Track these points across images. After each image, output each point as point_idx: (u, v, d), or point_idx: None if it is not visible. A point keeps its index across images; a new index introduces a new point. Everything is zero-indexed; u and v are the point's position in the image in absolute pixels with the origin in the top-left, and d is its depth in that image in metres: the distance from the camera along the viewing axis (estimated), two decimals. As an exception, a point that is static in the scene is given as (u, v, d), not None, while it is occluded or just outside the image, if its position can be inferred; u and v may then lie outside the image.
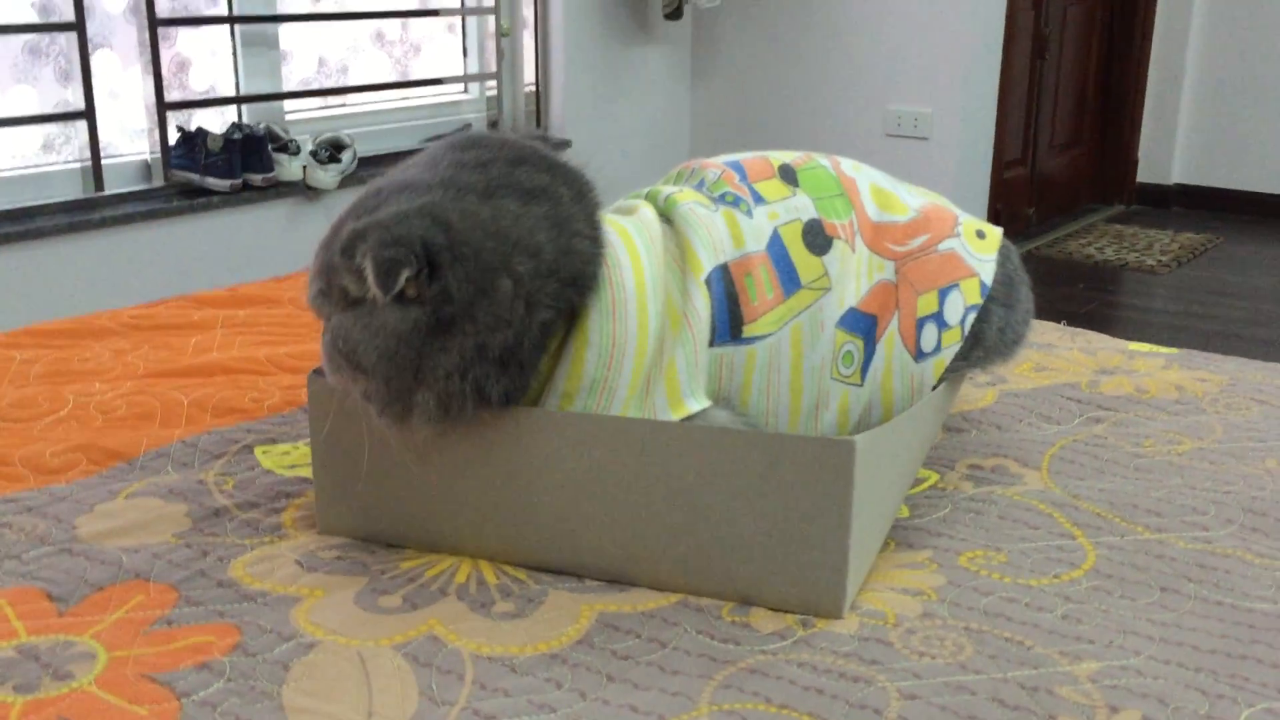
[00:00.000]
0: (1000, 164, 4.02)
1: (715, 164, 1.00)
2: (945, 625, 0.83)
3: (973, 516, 0.99)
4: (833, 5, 3.82)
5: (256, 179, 2.95)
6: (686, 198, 0.95)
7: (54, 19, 2.68)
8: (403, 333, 0.82)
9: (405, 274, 0.80)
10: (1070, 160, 4.73)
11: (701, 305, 0.90)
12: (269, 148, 2.99)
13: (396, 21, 3.45)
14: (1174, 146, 4.91)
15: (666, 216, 0.95)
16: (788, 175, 0.98)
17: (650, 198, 0.98)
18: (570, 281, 0.86)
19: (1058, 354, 1.39)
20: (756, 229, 0.94)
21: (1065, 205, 4.75)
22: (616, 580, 0.88)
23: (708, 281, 0.91)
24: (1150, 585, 0.89)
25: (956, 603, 0.86)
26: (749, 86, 4.02)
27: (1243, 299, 3.77)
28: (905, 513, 0.99)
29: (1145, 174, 4.98)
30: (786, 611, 0.84)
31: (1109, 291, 3.86)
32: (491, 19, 3.54)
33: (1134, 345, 1.43)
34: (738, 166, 0.99)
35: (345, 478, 0.93)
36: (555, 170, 0.90)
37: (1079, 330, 1.49)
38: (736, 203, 0.95)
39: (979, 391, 1.26)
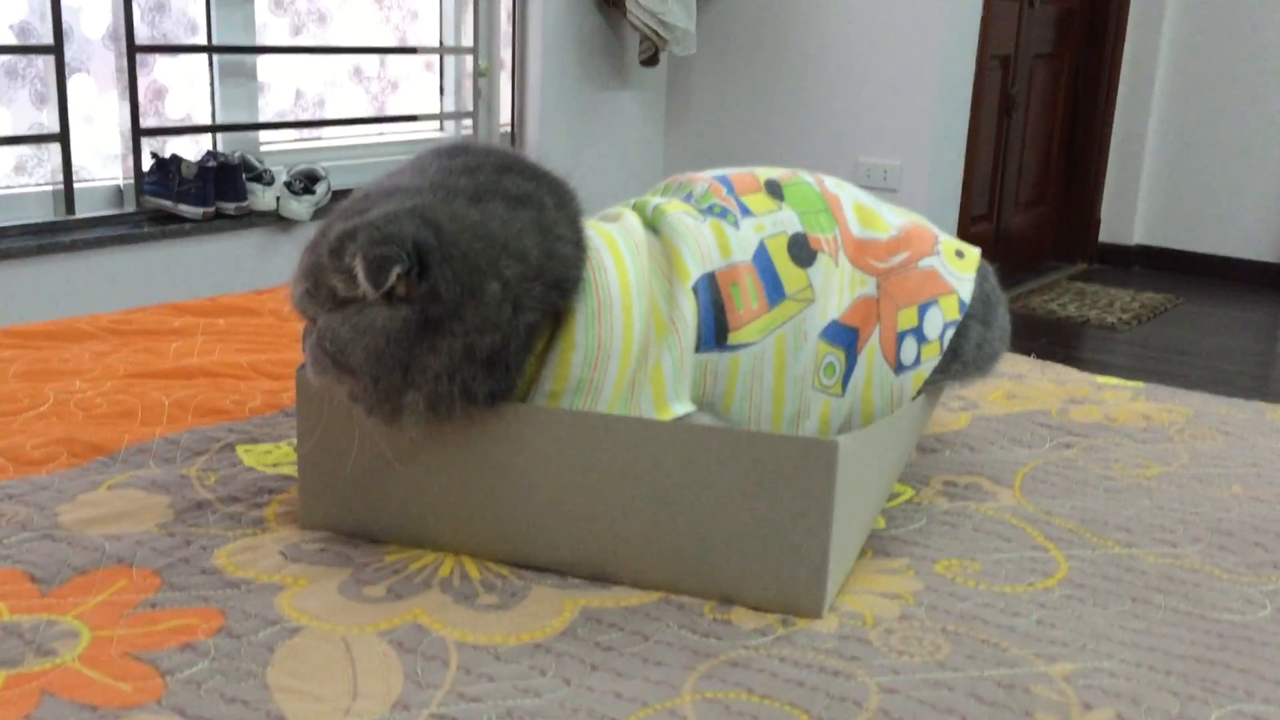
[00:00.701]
0: (967, 219, 4.09)
1: (703, 177, 1.03)
2: (923, 627, 0.84)
3: (948, 529, 1.01)
4: (805, 58, 3.90)
5: (229, 208, 2.95)
6: (675, 208, 0.98)
7: (32, 41, 2.69)
8: (391, 331, 0.83)
9: (396, 270, 0.81)
10: (1035, 218, 4.83)
11: (689, 311, 0.92)
12: (243, 177, 2.99)
13: (375, 58, 3.48)
14: (1135, 207, 5.02)
15: (654, 226, 0.97)
16: (774, 190, 1.01)
17: (638, 208, 1.01)
18: (555, 285, 0.87)
19: (1029, 383, 1.42)
20: (743, 240, 0.96)
21: (1029, 262, 4.84)
22: (599, 577, 0.89)
23: (695, 289, 0.93)
24: (1121, 595, 0.91)
25: (934, 606, 0.87)
26: (722, 134, 4.09)
27: (1202, 357, 3.85)
28: (882, 524, 1.01)
29: (1107, 234, 5.09)
30: (767, 610, 0.85)
31: (1071, 347, 3.93)
32: (470, 59, 3.58)
33: (1102, 379, 1.46)
34: (725, 180, 1.02)
35: (329, 473, 0.94)
36: (540, 178, 0.93)
37: (1049, 363, 1.52)
38: (724, 214, 0.97)
39: (952, 415, 1.29)
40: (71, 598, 0.81)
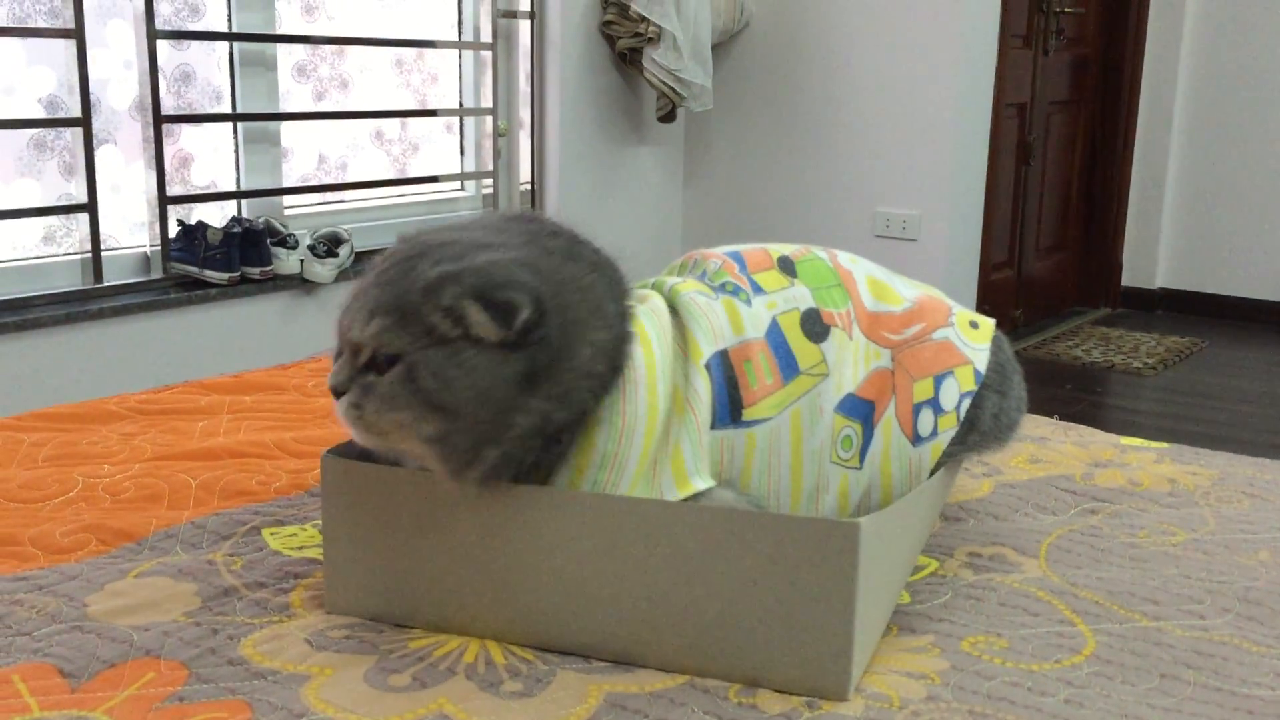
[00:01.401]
0: (987, 266, 4.10)
1: (716, 254, 1.04)
2: (950, 708, 0.84)
3: (973, 603, 1.00)
4: (821, 110, 3.93)
5: (254, 272, 2.99)
6: (688, 287, 0.99)
7: (61, 114, 2.75)
8: (501, 376, 0.84)
9: (524, 315, 0.83)
10: (1056, 264, 4.82)
11: (703, 388, 0.93)
12: (268, 242, 3.03)
13: (396, 121, 3.54)
14: (1157, 251, 5.01)
15: (671, 305, 0.98)
16: (786, 267, 1.02)
17: (656, 288, 1.02)
18: (620, 357, 0.90)
19: (1051, 447, 1.41)
20: (755, 317, 0.97)
21: (1051, 308, 4.83)
22: (623, 661, 0.89)
23: (708, 366, 0.94)
24: (1150, 671, 0.90)
25: (960, 686, 0.87)
26: (740, 188, 4.12)
27: (1228, 402, 3.82)
28: (906, 599, 1.01)
29: (1129, 278, 5.07)
30: (793, 693, 0.85)
31: (1096, 393, 3.91)
32: (489, 119, 3.63)
33: (1126, 440, 1.45)
34: (738, 257, 1.03)
35: (354, 557, 0.94)
36: (598, 251, 0.96)
37: (1071, 425, 1.52)
38: (736, 292, 0.99)
39: (975, 482, 1.28)
40: (100, 692, 0.82)
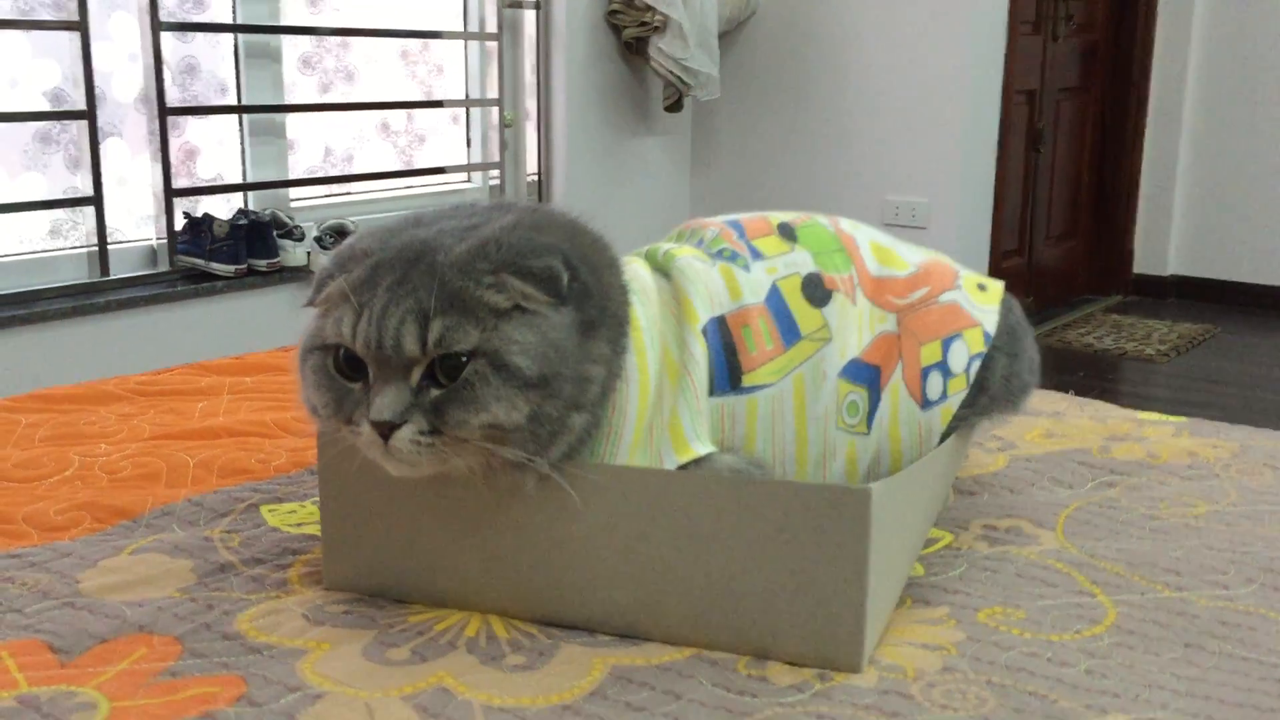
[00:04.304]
0: (998, 254, 4.06)
1: (714, 222, 1.02)
2: (967, 679, 0.81)
3: (989, 575, 0.97)
4: (829, 97, 3.90)
5: (261, 264, 2.97)
6: (684, 253, 0.97)
7: (66, 107, 2.73)
8: (567, 331, 0.82)
9: (565, 276, 0.81)
10: (1066, 251, 4.78)
11: (699, 354, 0.90)
12: (274, 234, 3.02)
13: (402, 113, 3.52)
14: (1169, 238, 4.96)
15: (664, 271, 0.96)
16: (786, 232, 1.00)
17: (649, 255, 1.00)
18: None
19: (1067, 421, 1.38)
20: (754, 282, 0.95)
21: (1062, 296, 4.79)
22: (629, 635, 0.86)
23: (704, 331, 0.91)
24: (1174, 641, 0.87)
25: (977, 657, 0.84)
26: (748, 177, 4.09)
27: (1242, 387, 3.78)
28: (920, 571, 0.98)
29: (1141, 265, 5.03)
30: (803, 665, 0.83)
31: (1109, 380, 3.87)
32: (495, 110, 3.61)
33: (1143, 414, 1.42)
34: (736, 225, 1.01)
35: (353, 532, 0.92)
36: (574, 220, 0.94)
37: (1087, 400, 1.49)
38: (734, 258, 0.96)
39: (989, 457, 1.26)
40: (91, 668, 0.80)
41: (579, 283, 0.83)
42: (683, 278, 0.93)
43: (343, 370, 0.83)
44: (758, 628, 0.84)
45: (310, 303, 0.88)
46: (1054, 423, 1.37)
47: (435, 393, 0.80)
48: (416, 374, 0.80)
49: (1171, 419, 1.41)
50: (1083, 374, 3.87)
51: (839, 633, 0.82)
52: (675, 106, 3.81)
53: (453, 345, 0.79)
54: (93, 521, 1.03)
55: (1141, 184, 4.93)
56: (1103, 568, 0.99)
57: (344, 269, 0.84)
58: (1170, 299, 4.99)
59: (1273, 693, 0.80)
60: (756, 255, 0.96)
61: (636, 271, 0.94)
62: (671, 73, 3.65)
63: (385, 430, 0.79)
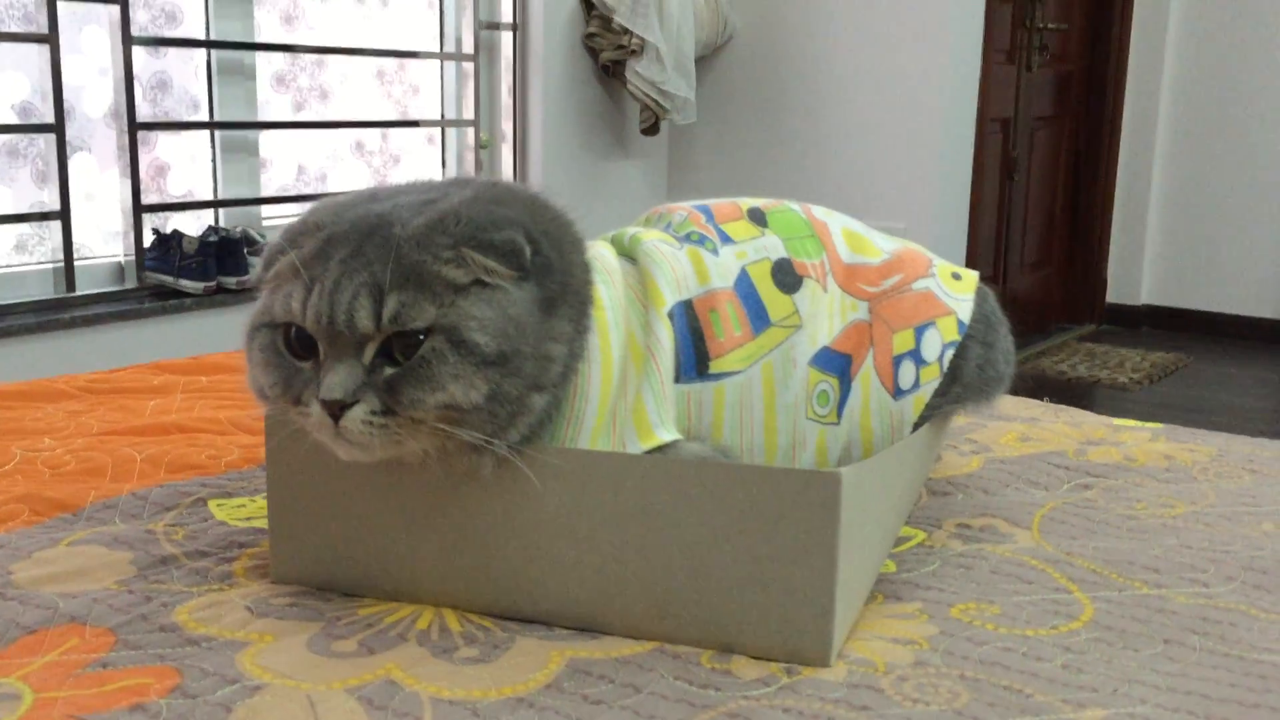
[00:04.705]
0: (973, 280, 4.05)
1: (682, 206, 0.99)
2: (939, 673, 0.78)
3: (963, 571, 0.94)
4: (805, 123, 3.90)
5: (230, 282, 2.93)
6: (651, 236, 0.94)
7: (34, 120, 2.69)
8: (527, 307, 0.79)
9: (528, 249, 0.78)
10: (1040, 280, 4.79)
11: (665, 337, 0.87)
12: (244, 251, 2.98)
13: (377, 132, 3.49)
14: (1142, 267, 4.99)
15: (630, 254, 0.93)
16: (756, 217, 0.97)
17: (615, 240, 0.97)
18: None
19: (1042, 426, 1.36)
20: (723, 266, 0.92)
21: (1036, 324, 4.79)
22: (588, 628, 0.83)
23: (670, 315, 0.88)
24: (1153, 637, 0.84)
25: (950, 651, 0.81)
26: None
27: (1217, 415, 3.78)
28: (892, 567, 0.95)
29: (1114, 294, 5.05)
30: (770, 659, 0.79)
31: (1083, 407, 3.85)
32: (471, 131, 3.59)
33: (1119, 420, 1.40)
34: (705, 209, 0.98)
35: (302, 523, 0.88)
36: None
37: (1062, 407, 1.47)
38: (702, 241, 0.94)
39: (963, 459, 1.23)
40: (17, 659, 0.75)
41: (541, 257, 0.80)
42: (648, 260, 0.90)
43: (293, 349, 0.79)
44: (722, 619, 0.80)
45: (259, 281, 0.84)
46: (1029, 427, 1.35)
47: (389, 371, 0.76)
48: (370, 351, 0.77)
49: (1148, 425, 1.39)
50: (1046, 398, 3.86)
51: (807, 624, 0.79)
52: (652, 130, 3.80)
53: (408, 322, 0.76)
54: (31, 514, 0.98)
55: (1115, 213, 4.96)
56: (1079, 565, 0.96)
57: (294, 244, 0.81)
58: (1143, 328, 5.00)
59: (1257, 688, 0.77)
60: (726, 239, 0.94)
61: (600, 253, 0.91)
62: (648, 96, 3.64)
63: (336, 410, 0.76)
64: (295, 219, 0.85)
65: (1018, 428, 1.34)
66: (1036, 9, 4.28)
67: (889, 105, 3.75)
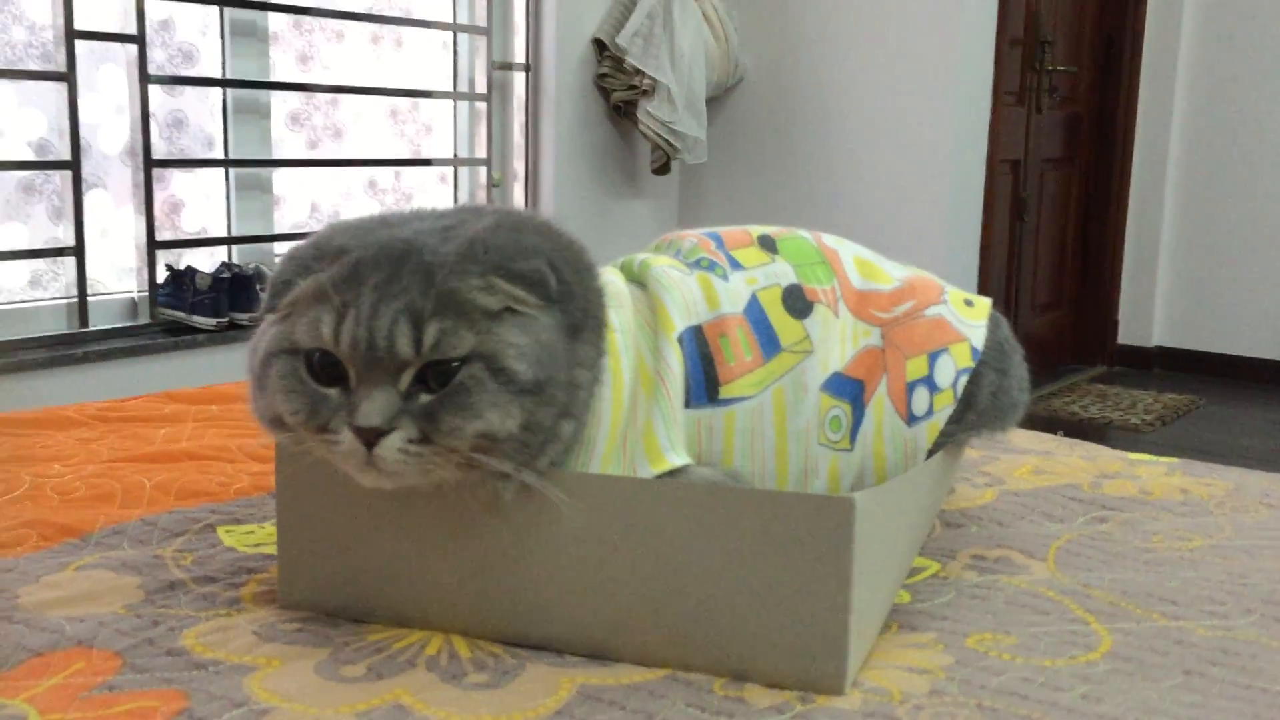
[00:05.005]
0: (984, 321, 4.05)
1: (692, 233, 0.99)
2: (956, 702, 0.76)
3: (978, 602, 0.93)
4: (816, 164, 3.92)
5: (243, 318, 2.94)
6: (660, 262, 0.94)
7: (50, 157, 2.72)
8: (556, 334, 0.79)
9: (553, 278, 0.78)
10: (1051, 321, 4.78)
11: (675, 362, 0.87)
12: (258, 287, 2.99)
13: (390, 170, 3.52)
14: (1153, 309, 4.98)
15: (640, 280, 0.93)
16: (767, 244, 0.97)
17: (624, 266, 0.97)
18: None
19: (1057, 459, 1.35)
20: (733, 292, 0.92)
21: (1048, 365, 4.78)
22: (599, 655, 0.82)
23: (680, 340, 0.88)
24: (1172, 669, 0.83)
25: (967, 681, 0.79)
26: (735, 242, 4.08)
27: (1228, 458, 3.75)
28: (906, 598, 0.94)
29: (1125, 336, 5.03)
30: (783, 687, 0.78)
31: (1097, 447, 3.84)
32: (484, 170, 3.61)
33: (1134, 455, 1.39)
34: (715, 235, 0.98)
35: (311, 548, 0.88)
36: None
37: (1077, 441, 1.46)
38: (712, 267, 0.94)
39: (977, 491, 1.22)
40: (23, 681, 0.75)
41: (564, 284, 0.80)
42: (658, 286, 0.90)
43: (317, 375, 0.77)
44: (735, 646, 0.79)
45: (269, 309, 0.83)
46: (1043, 460, 1.34)
47: (425, 398, 0.75)
48: (406, 379, 0.75)
49: (1163, 460, 1.38)
50: (1060, 431, 3.84)
51: (821, 652, 0.77)
52: (663, 169, 3.82)
53: (449, 350, 0.75)
54: (39, 539, 0.98)
55: (1125, 255, 4.96)
56: (1096, 597, 0.95)
57: (308, 270, 0.80)
58: (1155, 369, 4.98)
59: (1277, 719, 0.76)
60: (736, 265, 0.94)
61: (610, 279, 0.91)
62: (659, 136, 3.66)
63: (371, 438, 0.74)
64: (300, 245, 0.84)
65: (1032, 460, 1.33)
66: (1046, 52, 4.30)
67: (899, 147, 3.77)
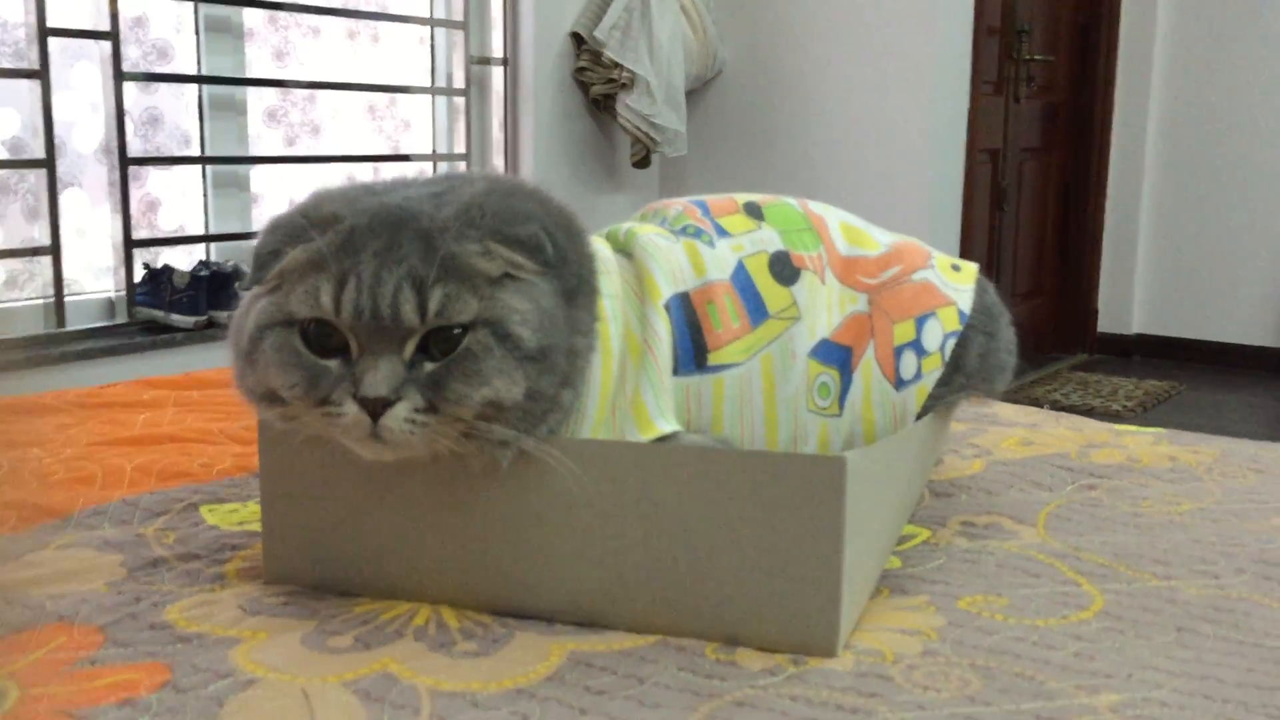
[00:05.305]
0: (965, 309, 4.06)
1: (678, 201, 0.99)
2: (949, 662, 0.76)
3: (969, 566, 0.93)
4: (795, 155, 3.92)
5: (222, 316, 2.91)
6: (646, 230, 0.93)
7: (25, 156, 2.69)
8: (556, 299, 0.78)
9: (549, 243, 0.77)
10: (1032, 310, 4.80)
11: (662, 330, 0.86)
12: (235, 285, 2.96)
13: (368, 167, 3.50)
14: (1133, 297, 5.00)
15: (626, 249, 0.92)
16: (753, 211, 0.97)
17: (610, 235, 0.96)
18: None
19: (1044, 430, 1.35)
20: (719, 259, 0.91)
21: (1028, 353, 4.77)
22: (590, 622, 0.81)
23: (667, 307, 0.87)
24: (1165, 626, 0.82)
25: (959, 641, 0.79)
26: (716, 235, 4.08)
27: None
28: (897, 564, 0.93)
29: (1105, 324, 5.05)
30: (776, 650, 0.77)
31: (1079, 434, 3.85)
32: (463, 165, 3.60)
33: (1120, 426, 1.39)
34: (701, 204, 0.98)
35: (296, 521, 0.86)
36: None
37: (1063, 414, 1.46)
38: (698, 234, 0.93)
39: (965, 461, 1.21)
40: (3, 657, 0.73)
41: (559, 250, 0.79)
42: (644, 253, 0.90)
43: (313, 347, 0.75)
44: (727, 611, 0.78)
45: (256, 281, 0.81)
46: (1030, 432, 1.34)
47: (430, 367, 0.74)
48: (410, 347, 0.74)
49: (1149, 430, 1.38)
50: (1046, 405, 3.85)
51: (813, 614, 0.77)
52: (643, 163, 3.82)
53: (453, 315, 0.73)
54: (18, 520, 0.96)
55: (1105, 243, 4.98)
56: (1087, 559, 0.94)
57: (297, 239, 0.78)
58: (1135, 357, 5.01)
59: (1272, 673, 0.75)
60: (722, 233, 0.93)
61: (597, 247, 0.90)
62: (639, 129, 3.66)
63: (378, 408, 0.72)
64: (283, 213, 0.83)
65: (1019, 432, 1.33)
66: (1023, 41, 4.32)
67: (878, 136, 3.77)
